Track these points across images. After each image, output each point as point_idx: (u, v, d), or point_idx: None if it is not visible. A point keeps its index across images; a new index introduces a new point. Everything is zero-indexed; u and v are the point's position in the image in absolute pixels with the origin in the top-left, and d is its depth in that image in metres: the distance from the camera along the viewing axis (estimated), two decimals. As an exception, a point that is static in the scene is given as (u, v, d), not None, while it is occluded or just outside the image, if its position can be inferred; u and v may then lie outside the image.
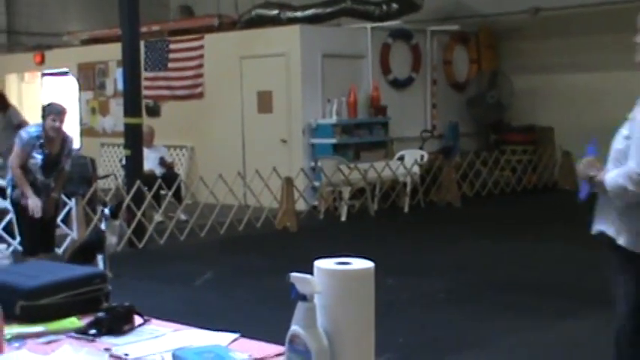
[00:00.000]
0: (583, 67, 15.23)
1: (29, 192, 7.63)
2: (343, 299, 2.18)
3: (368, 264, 2.24)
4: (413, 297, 7.62)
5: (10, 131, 12.32)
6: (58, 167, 7.82)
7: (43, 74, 17.69)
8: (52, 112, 7.73)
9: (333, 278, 2.18)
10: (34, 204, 7.61)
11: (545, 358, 5.91)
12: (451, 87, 16.25)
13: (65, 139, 7.90)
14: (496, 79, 16.18)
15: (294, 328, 2.15)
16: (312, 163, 13.55)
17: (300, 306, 2.15)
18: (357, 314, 2.20)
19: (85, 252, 8.15)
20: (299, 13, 15.04)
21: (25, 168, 7.67)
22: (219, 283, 8.41)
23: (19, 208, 7.78)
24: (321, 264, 2.21)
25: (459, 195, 13.83)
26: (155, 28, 15.99)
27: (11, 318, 2.79)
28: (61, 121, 7.74)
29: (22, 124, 12.49)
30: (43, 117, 7.74)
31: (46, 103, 8.20)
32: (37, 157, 7.66)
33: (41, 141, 7.66)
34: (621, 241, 4.02)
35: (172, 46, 15.35)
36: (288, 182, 11.92)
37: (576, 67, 15.31)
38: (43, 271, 3.15)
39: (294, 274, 2.16)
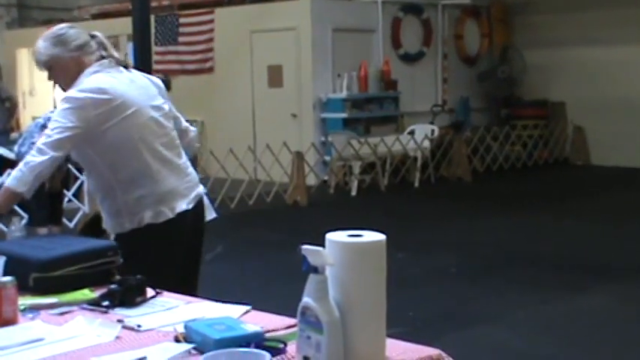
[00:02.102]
0: (596, 42, 15.12)
1: None
2: (355, 271, 2.18)
3: (380, 236, 2.24)
4: (423, 271, 7.64)
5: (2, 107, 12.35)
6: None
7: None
8: None
9: (344, 250, 2.18)
10: None
11: (557, 332, 5.91)
12: (462, 61, 16.17)
13: None
14: (508, 54, 16.09)
15: (306, 300, 2.15)
16: (323, 138, 13.53)
17: (312, 278, 2.16)
18: (369, 286, 2.20)
19: (96, 225, 8.17)
20: (309, -13, 14.96)
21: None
22: (229, 257, 8.44)
23: None
24: (332, 236, 2.22)
25: (469, 170, 13.80)
26: (165, 2, 15.93)
27: (25, 289, 2.82)
28: None
29: (11, 98, 12.51)
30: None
31: None
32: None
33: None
34: None
35: (182, 21, 15.31)
36: (299, 157, 11.91)
37: (589, 42, 15.21)
38: (56, 243, 3.17)
39: (305, 247, 2.16)
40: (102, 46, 3.82)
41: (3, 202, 3.53)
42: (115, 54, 3.87)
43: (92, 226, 8.18)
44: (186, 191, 3.80)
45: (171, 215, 3.70)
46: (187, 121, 4.25)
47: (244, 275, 7.73)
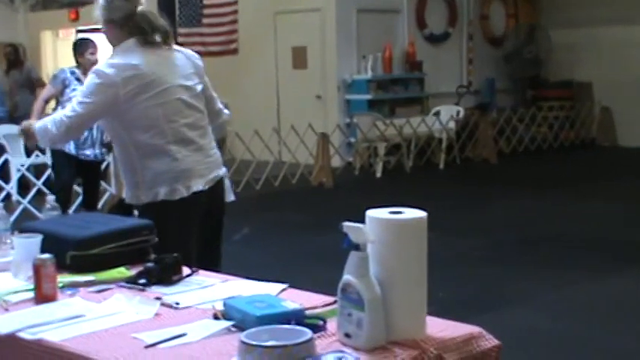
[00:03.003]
0: (624, 21, 14.97)
1: (33, 117, 7.39)
2: (396, 248, 2.18)
3: (421, 213, 2.23)
4: (451, 253, 7.61)
5: (30, 89, 12.38)
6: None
7: (78, 31, 17.71)
8: (90, 46, 7.48)
9: (386, 227, 2.18)
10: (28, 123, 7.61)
11: (587, 314, 5.89)
12: (488, 42, 16.06)
13: None
14: (534, 34, 15.96)
15: (347, 277, 2.15)
16: (348, 119, 13.51)
17: (353, 255, 2.15)
18: (410, 263, 2.20)
19: (123, 207, 8.20)
20: (334, -32, 14.89)
21: (62, 106, 7.32)
22: (256, 238, 8.45)
23: (57, 154, 7.65)
24: (374, 213, 2.21)
25: (495, 151, 13.74)
26: (189, -17, 15.92)
27: (62, 267, 2.84)
28: (96, 54, 7.51)
29: (40, 79, 12.56)
30: (80, 53, 7.46)
31: (76, 39, 7.98)
32: (79, 89, 7.48)
33: (77, 76, 7.43)
34: None
35: (206, 2, 15.26)
36: (324, 138, 11.90)
37: (617, 21, 15.05)
38: (93, 222, 3.19)
39: (347, 224, 2.16)
40: (145, 20, 3.80)
41: (30, 132, 3.85)
42: (159, 29, 3.83)
43: (119, 208, 8.25)
44: (204, 171, 3.82)
45: (185, 194, 3.74)
46: (222, 103, 4.24)
47: (271, 256, 7.73)
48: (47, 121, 3.74)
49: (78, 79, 7.33)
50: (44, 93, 7.68)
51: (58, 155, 7.65)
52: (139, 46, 3.76)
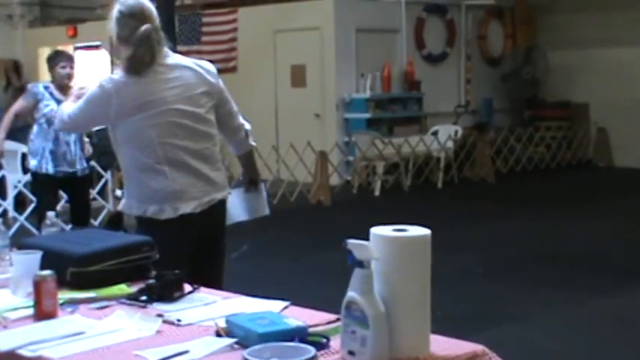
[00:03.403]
0: (620, 43, 15.02)
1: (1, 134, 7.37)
2: (400, 266, 2.17)
3: (425, 231, 2.23)
4: (449, 271, 7.59)
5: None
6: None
7: (76, 48, 17.73)
8: (62, 59, 7.21)
9: (390, 245, 2.17)
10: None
11: (585, 333, 5.88)
12: (486, 62, 16.11)
13: None
14: (531, 55, 16.00)
15: (351, 294, 2.14)
16: (346, 138, 13.52)
17: (357, 272, 2.15)
18: (414, 281, 2.19)
19: (116, 222, 8.17)
20: (333, -13, 14.94)
21: (37, 122, 7.18)
22: (255, 256, 8.43)
23: (37, 176, 7.33)
24: (378, 230, 2.20)
25: (492, 171, 13.75)
26: (188, 1, 15.95)
27: (62, 284, 2.82)
28: (72, 68, 7.20)
29: None
30: (51, 66, 7.20)
31: (50, 52, 7.61)
32: (53, 104, 7.00)
33: (50, 91, 7.15)
34: None
35: (205, 20, 15.33)
36: (323, 156, 11.90)
37: (613, 43, 15.11)
38: (93, 238, 3.17)
39: (351, 241, 2.15)
40: (148, 38, 3.74)
41: None
42: (162, 48, 3.81)
43: (112, 223, 8.21)
44: (197, 194, 3.77)
45: (172, 215, 3.72)
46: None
47: (269, 274, 7.72)
48: (63, 108, 3.97)
49: (51, 94, 7.14)
50: (15, 106, 7.40)
51: (39, 179, 7.34)
52: (142, 64, 3.73)
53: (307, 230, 9.92)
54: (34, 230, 8.36)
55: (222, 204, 3.94)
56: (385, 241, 2.17)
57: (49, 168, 7.17)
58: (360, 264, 2.13)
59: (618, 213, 10.61)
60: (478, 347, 2.30)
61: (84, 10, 17.81)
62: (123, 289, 2.91)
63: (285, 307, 2.71)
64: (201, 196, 3.79)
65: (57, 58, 7.22)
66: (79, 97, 3.97)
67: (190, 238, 3.80)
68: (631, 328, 5.99)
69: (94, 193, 10.20)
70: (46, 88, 7.18)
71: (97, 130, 7.98)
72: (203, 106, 3.85)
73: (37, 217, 7.51)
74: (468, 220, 10.38)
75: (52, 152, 7.12)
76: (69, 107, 3.92)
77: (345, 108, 13.76)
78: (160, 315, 2.61)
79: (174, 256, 3.61)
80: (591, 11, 15.29)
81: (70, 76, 7.15)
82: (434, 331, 2.35)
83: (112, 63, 3.94)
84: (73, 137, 7.16)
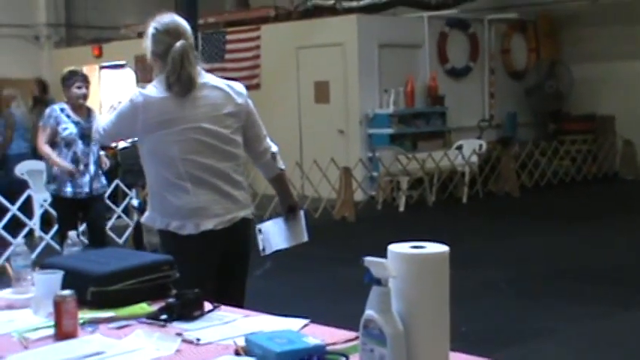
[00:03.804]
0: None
1: (58, 159, 7.05)
2: (418, 283, 2.15)
3: (443, 248, 2.21)
4: (475, 287, 7.56)
5: None
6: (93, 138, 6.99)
7: (101, 67, 17.87)
8: (76, 80, 7.12)
9: (407, 262, 2.15)
10: (65, 165, 7.04)
11: (610, 348, 5.82)
12: (509, 76, 16.09)
13: (90, 111, 7.27)
14: (555, 68, 15.96)
15: (369, 312, 2.13)
16: (370, 154, 13.51)
17: (375, 290, 2.13)
18: (432, 298, 2.17)
19: (138, 239, 8.20)
20: (355, 3, 14.98)
21: (57, 145, 7.10)
22: (279, 272, 8.42)
23: (57, 200, 7.29)
24: (395, 248, 2.19)
25: (517, 185, 13.69)
26: (211, 19, 16.06)
27: (82, 303, 2.81)
28: (86, 88, 7.15)
29: None
30: (66, 87, 7.12)
31: (64, 72, 7.38)
32: (70, 126, 7.07)
33: (67, 112, 7.09)
34: None
35: (229, 37, 15.41)
36: (347, 172, 11.90)
37: (637, 55, 15.04)
38: (113, 257, 3.18)
39: (368, 258, 2.13)
40: (179, 55, 3.79)
41: None
42: (196, 66, 3.87)
43: (135, 240, 8.22)
44: (219, 211, 3.81)
45: (194, 231, 3.77)
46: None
47: (294, 290, 7.71)
48: (97, 123, 4.26)
49: (68, 116, 7.10)
50: (42, 138, 7.15)
51: (58, 202, 7.30)
52: (171, 81, 3.80)
53: (331, 246, 9.90)
54: (58, 249, 8.40)
55: (244, 222, 3.96)
56: (402, 259, 2.15)
57: (67, 191, 7.12)
58: (378, 281, 2.11)
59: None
60: (498, 365, 2.27)
61: (109, 29, 17.98)
62: (143, 308, 2.91)
63: (305, 325, 2.69)
64: (223, 213, 3.82)
65: (72, 79, 7.15)
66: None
67: (211, 254, 3.84)
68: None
69: (119, 211, 10.27)
70: (62, 110, 7.12)
71: (121, 149, 8.07)
72: (229, 127, 3.88)
73: (60, 238, 7.53)
74: (492, 235, 10.33)
75: (71, 175, 7.09)
76: (103, 120, 4.05)
77: (368, 123, 13.77)
78: (179, 334, 2.61)
79: (195, 271, 3.64)
80: (614, 24, 15.23)
81: (85, 96, 7.13)
82: (459, 347, 2.33)
83: (138, 81, 4.02)
84: (92, 158, 7.16)
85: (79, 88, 7.09)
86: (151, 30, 3.88)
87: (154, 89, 3.82)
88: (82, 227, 7.79)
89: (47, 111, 7.25)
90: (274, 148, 4.17)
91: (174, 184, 3.78)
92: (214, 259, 3.86)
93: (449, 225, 11.12)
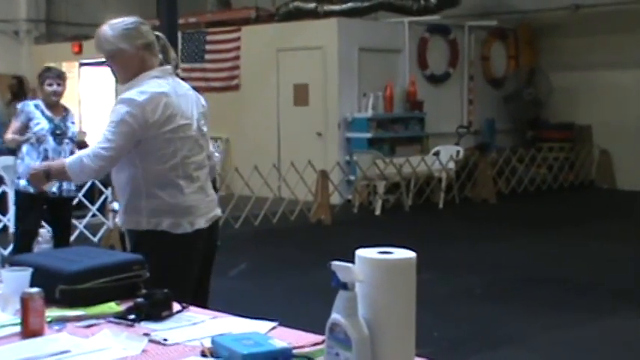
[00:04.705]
0: (622, 65, 15.06)
1: (16, 136, 6.87)
2: (385, 289, 2.16)
3: (410, 254, 2.22)
4: (448, 292, 7.59)
5: None
6: (66, 136, 6.98)
7: (81, 64, 17.81)
8: (49, 76, 6.98)
9: (375, 267, 2.16)
10: (17, 139, 6.87)
11: (583, 356, 5.85)
12: (488, 83, 16.16)
13: (67, 110, 7.17)
14: (534, 76, 16.04)
15: (335, 316, 2.13)
16: (348, 157, 13.53)
17: (342, 294, 2.13)
18: (398, 304, 2.18)
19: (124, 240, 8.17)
20: (336, 7, 14.99)
21: (28, 140, 6.89)
22: (253, 274, 8.43)
23: (21, 195, 6.97)
24: (363, 253, 2.20)
25: (494, 191, 13.75)
26: (192, 19, 16.03)
27: (51, 301, 2.81)
28: (59, 85, 6.98)
29: None
30: (40, 83, 7.00)
31: (41, 69, 7.27)
32: (43, 122, 6.89)
33: (40, 108, 6.92)
34: None
35: (209, 38, 15.39)
36: (323, 175, 11.91)
37: (616, 65, 15.14)
38: (84, 255, 3.17)
39: (335, 263, 2.14)
40: (164, 49, 3.88)
41: (55, 172, 3.78)
42: (174, 60, 3.92)
43: (123, 241, 8.18)
44: (205, 210, 3.85)
45: (189, 230, 3.75)
46: (212, 138, 4.28)
47: (267, 292, 7.71)
48: (81, 156, 3.67)
49: (42, 112, 6.93)
50: (11, 128, 6.99)
51: (23, 198, 6.97)
52: (165, 75, 3.80)
53: (307, 249, 9.91)
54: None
55: (217, 221, 4.00)
56: (369, 264, 2.16)
57: (31, 188, 6.65)
58: (344, 286, 2.12)
59: (620, 235, 10.59)
60: (463, 371, 2.28)
61: (89, 26, 17.87)
62: (112, 307, 2.90)
63: (273, 328, 2.70)
64: (207, 211, 3.87)
65: (44, 75, 7.02)
66: (36, 175, 3.82)
67: (199, 252, 3.85)
68: (631, 350, 5.97)
69: (94, 209, 10.23)
70: (36, 106, 6.97)
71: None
72: (204, 125, 3.95)
73: (15, 237, 7.04)
74: (468, 240, 10.37)
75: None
76: (88, 148, 3.73)
77: (346, 127, 13.79)
78: (146, 334, 2.60)
79: (187, 270, 3.65)
80: (594, 34, 15.32)
81: (56, 93, 6.98)
82: (430, 353, 2.34)
83: (116, 80, 3.85)
84: (64, 155, 6.73)
85: (49, 85, 6.93)
86: (132, 24, 3.78)
87: (151, 86, 3.70)
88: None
89: (19, 106, 7.12)
90: (217, 154, 4.25)
91: (169, 183, 3.72)
92: (200, 258, 3.88)
93: (425, 230, 11.16)
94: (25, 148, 6.94)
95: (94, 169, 3.66)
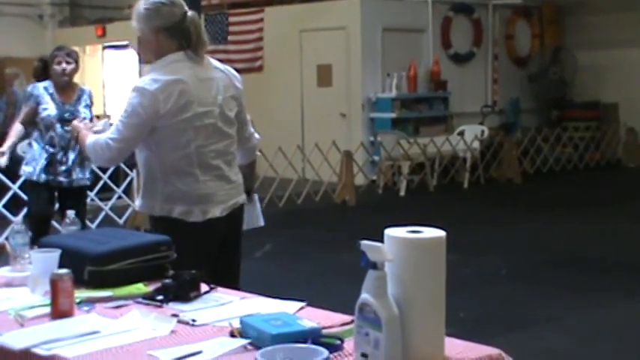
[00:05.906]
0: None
1: (7, 145, 6.67)
2: (415, 268, 2.15)
3: (440, 232, 2.21)
4: (474, 273, 7.56)
5: None
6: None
7: (105, 47, 17.85)
8: (58, 54, 6.56)
9: (404, 246, 2.15)
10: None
11: (609, 336, 5.81)
12: (513, 62, 16.03)
13: (82, 91, 6.73)
14: (559, 55, 15.91)
15: (365, 296, 2.12)
16: (372, 138, 13.49)
17: (371, 274, 2.12)
18: (428, 283, 2.17)
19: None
20: (360, -13, 14.90)
21: (36, 126, 6.58)
22: (278, 255, 8.43)
23: (30, 183, 6.69)
24: (392, 232, 2.18)
25: (519, 171, 13.67)
26: (215, 1, 15.99)
27: (79, 283, 2.82)
28: (69, 63, 6.55)
29: None
30: (51, 64, 6.55)
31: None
32: (51, 107, 6.49)
33: (51, 92, 6.52)
34: None
35: (232, 19, 15.36)
36: (348, 156, 11.89)
37: (641, 43, 15.01)
38: (111, 237, 3.18)
39: (364, 242, 2.13)
40: (193, 31, 3.67)
41: (80, 142, 3.96)
42: (204, 43, 3.73)
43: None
44: (224, 197, 3.76)
45: (200, 218, 3.69)
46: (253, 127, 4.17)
47: (293, 273, 7.71)
48: (97, 142, 3.70)
49: (52, 95, 6.53)
50: (21, 115, 6.74)
51: (30, 186, 6.73)
52: (187, 59, 3.66)
53: (331, 230, 9.91)
54: (59, 227, 8.18)
55: (241, 208, 3.92)
56: (399, 243, 2.15)
57: (41, 176, 6.53)
58: (374, 265, 2.11)
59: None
60: (494, 351, 2.27)
61: (113, 9, 17.92)
62: (140, 288, 2.91)
63: (301, 308, 2.70)
64: (227, 199, 3.77)
65: (53, 54, 6.62)
66: (96, 132, 3.84)
67: (214, 241, 3.79)
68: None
69: (119, 191, 10.27)
70: (45, 88, 6.56)
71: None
72: (232, 110, 3.82)
73: (29, 225, 6.44)
74: (493, 221, 10.32)
75: (47, 160, 6.54)
76: (101, 137, 3.71)
77: (370, 108, 13.74)
78: (175, 315, 2.61)
79: (197, 258, 3.61)
80: (619, 11, 15.16)
81: (65, 72, 6.55)
82: (456, 334, 2.33)
83: (140, 62, 3.79)
84: (73, 145, 6.42)
85: (59, 64, 6.52)
86: (153, 5, 3.65)
87: (166, 73, 3.62)
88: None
89: (29, 88, 6.77)
90: (257, 136, 4.14)
91: (183, 171, 3.66)
92: (215, 246, 3.81)
93: (449, 210, 11.11)
94: (35, 134, 6.66)
95: (104, 159, 3.79)
